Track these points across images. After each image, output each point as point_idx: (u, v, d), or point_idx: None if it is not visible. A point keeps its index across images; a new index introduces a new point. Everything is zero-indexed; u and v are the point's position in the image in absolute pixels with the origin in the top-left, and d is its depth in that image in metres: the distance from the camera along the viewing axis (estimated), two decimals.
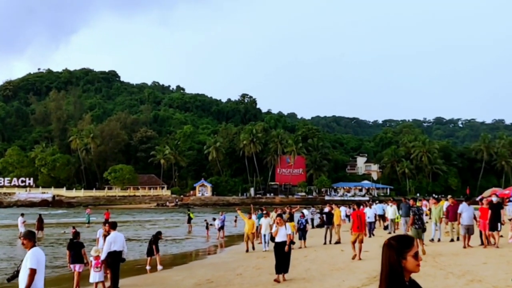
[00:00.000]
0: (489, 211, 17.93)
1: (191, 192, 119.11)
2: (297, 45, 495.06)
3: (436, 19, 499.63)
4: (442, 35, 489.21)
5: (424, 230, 18.24)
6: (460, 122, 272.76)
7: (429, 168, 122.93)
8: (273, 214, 29.56)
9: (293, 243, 13.91)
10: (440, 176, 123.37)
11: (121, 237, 14.30)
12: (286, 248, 14.15)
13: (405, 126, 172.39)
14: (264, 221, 23.73)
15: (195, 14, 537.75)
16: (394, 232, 27.94)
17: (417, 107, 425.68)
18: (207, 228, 36.40)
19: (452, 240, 21.18)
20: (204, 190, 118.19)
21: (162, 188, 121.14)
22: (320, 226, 39.41)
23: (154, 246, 19.64)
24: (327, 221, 25.69)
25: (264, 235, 23.43)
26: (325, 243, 24.82)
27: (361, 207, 23.10)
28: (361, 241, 18.13)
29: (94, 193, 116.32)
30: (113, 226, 14.56)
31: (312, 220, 41.29)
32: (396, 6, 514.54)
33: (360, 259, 17.86)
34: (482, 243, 18.35)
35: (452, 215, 21.29)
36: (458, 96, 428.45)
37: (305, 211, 41.17)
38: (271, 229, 20.46)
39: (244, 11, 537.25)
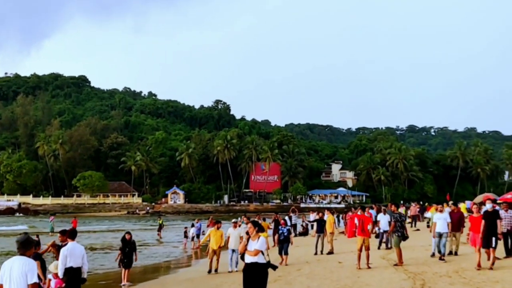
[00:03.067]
0: (483, 222, 14.15)
1: (163, 199, 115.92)
2: (269, 53, 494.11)
3: (408, 27, 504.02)
4: (413, 44, 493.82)
5: (405, 238, 16.23)
6: (432, 130, 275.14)
7: (405, 175, 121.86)
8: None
9: (274, 267, 9.94)
10: (416, 183, 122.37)
11: (80, 249, 11.30)
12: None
13: (379, 133, 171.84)
14: (232, 232, 18.60)
15: (169, 21, 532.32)
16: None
17: (390, 115, 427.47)
18: (185, 237, 33.50)
19: (451, 253, 17.85)
20: (176, 198, 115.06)
21: (133, 195, 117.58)
22: (303, 234, 37.00)
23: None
24: (319, 229, 22.71)
25: (233, 251, 18.23)
26: (316, 253, 22.09)
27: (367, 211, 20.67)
28: (368, 248, 16.04)
29: (62, 200, 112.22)
30: (71, 235, 11.63)
31: (295, 226, 38.49)
32: (367, 15, 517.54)
33: (369, 267, 15.89)
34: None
35: (454, 223, 17.56)
36: (430, 104, 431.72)
37: (286, 218, 38.48)
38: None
39: (217, 18, 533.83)
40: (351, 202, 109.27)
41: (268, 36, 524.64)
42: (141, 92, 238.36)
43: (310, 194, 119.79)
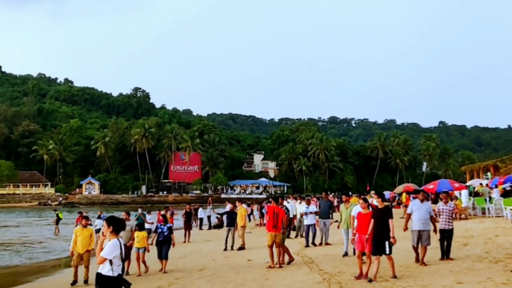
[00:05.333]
0: (372, 221, 11.25)
1: (77, 190, 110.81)
2: (190, 41, 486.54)
3: (332, 24, 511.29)
4: (336, 40, 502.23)
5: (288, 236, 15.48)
6: (353, 122, 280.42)
7: (326, 165, 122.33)
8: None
9: (127, 284, 7.43)
10: (336, 174, 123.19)
11: None
12: None
13: (301, 124, 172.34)
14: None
15: (87, 6, 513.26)
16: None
17: (312, 107, 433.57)
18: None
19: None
20: (91, 188, 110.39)
21: (45, 185, 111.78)
22: (217, 227, 34.92)
23: None
24: (229, 222, 20.60)
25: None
26: (225, 249, 19.94)
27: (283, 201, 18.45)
28: (279, 245, 14.05)
29: None
30: None
31: (209, 218, 36.66)
32: (291, 10, 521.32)
33: (280, 266, 14.00)
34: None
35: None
36: (351, 97, 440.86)
37: (200, 210, 36.74)
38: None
39: (136, 2, 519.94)
40: (273, 193, 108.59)
41: (189, 22, 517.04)
42: (56, 78, 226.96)
43: (232, 185, 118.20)
